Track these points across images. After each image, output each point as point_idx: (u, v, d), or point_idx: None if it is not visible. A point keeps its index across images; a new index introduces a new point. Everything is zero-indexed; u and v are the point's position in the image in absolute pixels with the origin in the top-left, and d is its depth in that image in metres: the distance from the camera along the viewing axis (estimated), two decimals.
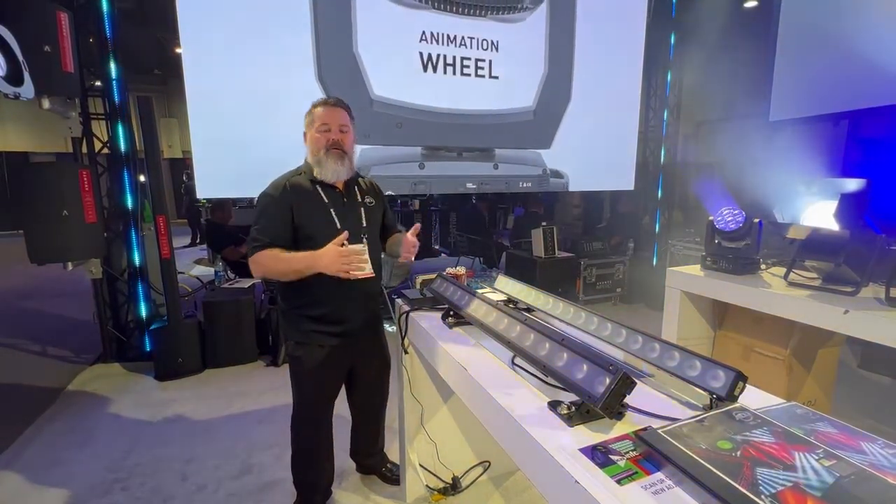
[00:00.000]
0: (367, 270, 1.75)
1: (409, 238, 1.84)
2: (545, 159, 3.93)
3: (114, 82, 3.37)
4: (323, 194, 1.78)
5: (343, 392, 2.09)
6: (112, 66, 3.34)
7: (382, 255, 2.03)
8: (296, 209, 1.72)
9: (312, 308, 1.79)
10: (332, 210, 1.78)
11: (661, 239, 5.50)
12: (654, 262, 5.43)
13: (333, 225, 1.76)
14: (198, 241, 9.68)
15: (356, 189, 1.89)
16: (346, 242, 1.63)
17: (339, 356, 1.89)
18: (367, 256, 1.74)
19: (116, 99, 3.39)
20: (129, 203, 3.54)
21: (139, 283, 3.65)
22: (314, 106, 1.78)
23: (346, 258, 1.60)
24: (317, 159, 1.75)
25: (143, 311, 3.67)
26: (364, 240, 1.82)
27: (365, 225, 1.86)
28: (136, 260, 3.62)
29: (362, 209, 1.87)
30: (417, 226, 1.87)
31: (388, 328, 2.18)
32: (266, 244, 1.68)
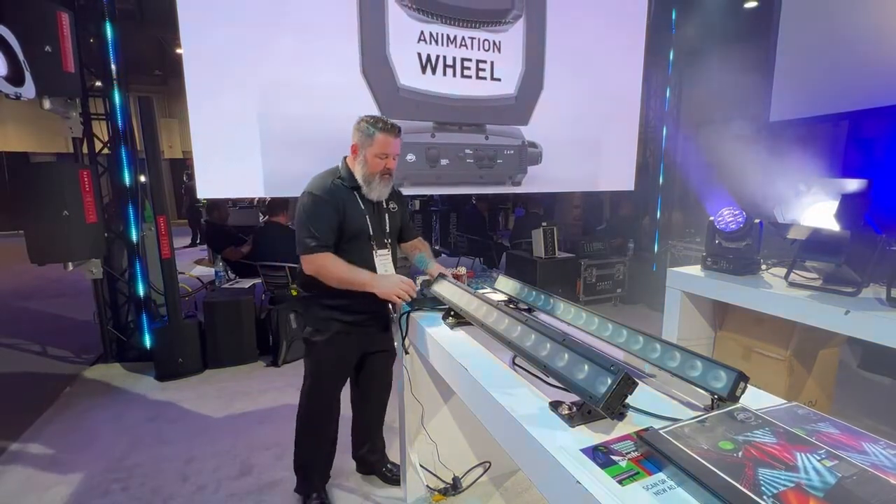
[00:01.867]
0: (390, 272, 1.94)
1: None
2: (544, 160, 4.47)
3: (115, 82, 3.37)
4: (360, 201, 1.88)
5: (345, 391, 2.12)
6: (113, 66, 3.34)
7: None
8: (341, 211, 1.82)
9: (332, 298, 1.87)
10: (366, 217, 1.89)
11: (662, 239, 5.49)
12: (655, 263, 5.43)
13: (367, 231, 1.89)
14: (198, 241, 9.68)
15: None
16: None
17: (353, 343, 2.00)
18: (391, 258, 1.94)
19: (117, 100, 3.40)
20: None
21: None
22: (375, 128, 1.81)
23: (407, 289, 1.74)
24: (367, 180, 1.84)
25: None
26: (388, 244, 1.97)
27: (388, 230, 1.98)
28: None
29: (387, 215, 1.99)
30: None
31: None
32: (326, 246, 1.78)
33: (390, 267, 1.95)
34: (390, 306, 1.98)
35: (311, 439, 2.08)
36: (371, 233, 1.89)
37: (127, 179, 3.51)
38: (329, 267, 1.78)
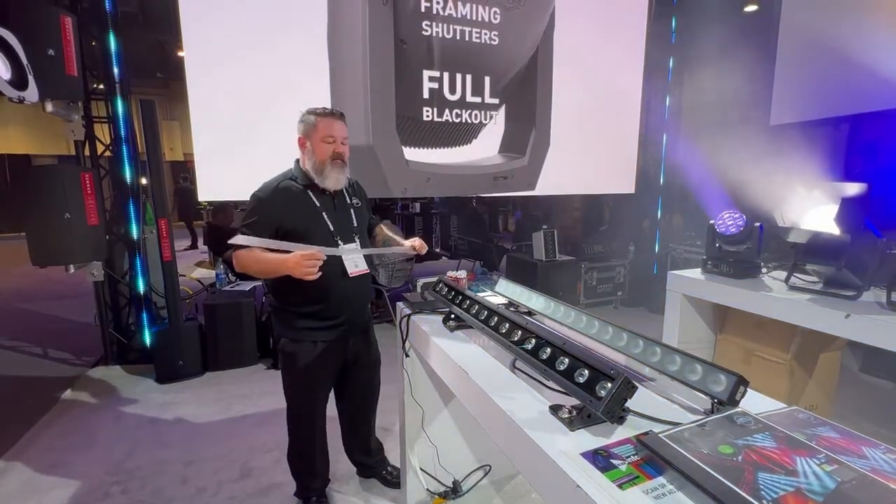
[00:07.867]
0: (361, 267, 1.89)
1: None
2: (545, 162, 4.48)
3: (117, 85, 3.39)
4: (315, 199, 1.84)
5: (333, 395, 2.11)
6: (115, 69, 3.36)
7: (383, 258, 2.07)
8: (285, 213, 1.78)
9: (305, 305, 1.84)
10: (324, 214, 1.84)
11: (662, 242, 5.49)
12: (655, 266, 5.43)
13: (327, 227, 1.84)
14: (197, 245, 9.67)
15: (345, 192, 1.96)
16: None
17: (331, 353, 1.94)
18: (361, 254, 1.88)
19: (119, 103, 3.41)
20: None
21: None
22: (314, 115, 1.83)
23: (309, 262, 1.61)
24: (319, 168, 1.81)
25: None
26: (356, 239, 1.92)
27: (356, 225, 1.95)
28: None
29: (352, 210, 1.96)
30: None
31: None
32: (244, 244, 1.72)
33: (361, 263, 1.90)
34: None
35: (302, 447, 2.04)
36: (332, 228, 1.84)
37: (128, 182, 3.52)
38: (242, 261, 1.74)
